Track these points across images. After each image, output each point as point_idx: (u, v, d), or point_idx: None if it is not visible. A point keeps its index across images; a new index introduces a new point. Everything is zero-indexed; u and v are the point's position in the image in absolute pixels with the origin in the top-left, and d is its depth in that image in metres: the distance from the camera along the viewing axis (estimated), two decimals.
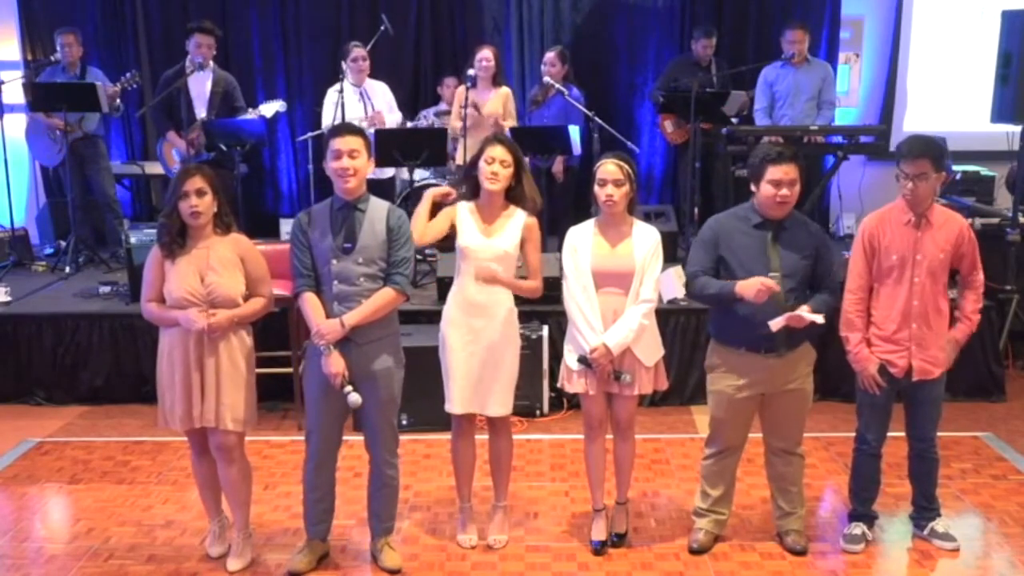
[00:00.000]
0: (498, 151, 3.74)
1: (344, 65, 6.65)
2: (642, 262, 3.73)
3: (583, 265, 3.76)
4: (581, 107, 6.51)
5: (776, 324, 3.60)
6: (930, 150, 3.62)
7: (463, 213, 3.83)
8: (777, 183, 3.63)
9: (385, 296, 3.60)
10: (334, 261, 3.58)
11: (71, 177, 6.89)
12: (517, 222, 3.82)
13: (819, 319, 3.60)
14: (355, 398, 3.55)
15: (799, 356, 3.77)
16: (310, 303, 3.62)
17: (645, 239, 3.77)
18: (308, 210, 3.72)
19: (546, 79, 6.72)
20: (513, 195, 3.82)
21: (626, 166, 3.72)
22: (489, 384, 3.84)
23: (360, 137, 3.59)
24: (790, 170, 3.62)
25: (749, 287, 3.60)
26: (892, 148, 7.01)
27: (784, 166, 3.62)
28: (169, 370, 3.67)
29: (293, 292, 3.70)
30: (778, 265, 3.68)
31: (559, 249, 6.14)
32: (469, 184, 3.87)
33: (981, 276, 3.85)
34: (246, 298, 3.70)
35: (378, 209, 3.65)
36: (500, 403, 3.88)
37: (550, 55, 6.79)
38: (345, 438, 3.86)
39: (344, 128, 3.63)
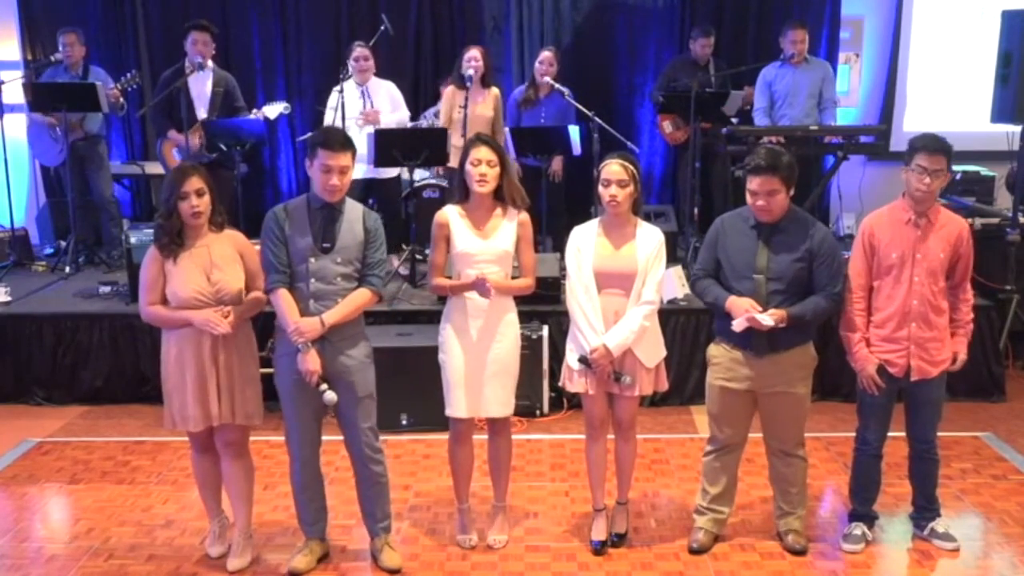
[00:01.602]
0: (483, 152, 3.72)
1: (349, 65, 6.65)
2: (645, 263, 3.72)
3: (586, 266, 3.76)
4: (583, 108, 6.50)
5: (738, 325, 3.65)
6: (945, 147, 3.66)
7: (455, 219, 3.81)
8: (754, 193, 3.66)
9: (363, 296, 3.63)
10: (312, 259, 3.59)
11: (71, 177, 6.89)
12: (511, 220, 3.82)
13: (769, 321, 3.61)
14: (331, 396, 3.56)
15: (789, 359, 3.76)
16: (285, 300, 3.60)
17: (649, 241, 3.76)
18: (284, 205, 3.70)
19: (545, 79, 6.71)
20: (500, 194, 3.80)
21: (630, 167, 3.71)
22: (492, 385, 3.84)
23: (350, 151, 3.58)
24: (766, 182, 3.62)
25: (738, 307, 3.66)
26: (892, 148, 7.09)
27: (759, 178, 3.63)
28: (178, 371, 3.66)
29: (266, 288, 3.66)
30: (764, 267, 3.69)
31: (555, 248, 6.21)
32: (461, 188, 3.86)
33: (970, 287, 3.84)
34: (245, 293, 3.72)
35: (355, 210, 3.67)
36: (502, 404, 3.88)
37: (548, 54, 6.77)
38: (342, 435, 3.86)
39: (336, 142, 3.55)
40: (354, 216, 3.65)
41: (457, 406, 3.86)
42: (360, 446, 3.76)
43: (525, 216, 3.85)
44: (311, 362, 3.55)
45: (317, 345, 3.57)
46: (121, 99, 6.82)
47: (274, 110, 6.66)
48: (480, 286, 3.69)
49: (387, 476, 3.87)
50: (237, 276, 3.68)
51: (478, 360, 3.82)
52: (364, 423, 3.73)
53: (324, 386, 3.56)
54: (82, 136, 6.94)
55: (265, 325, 4.65)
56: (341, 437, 3.84)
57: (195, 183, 3.58)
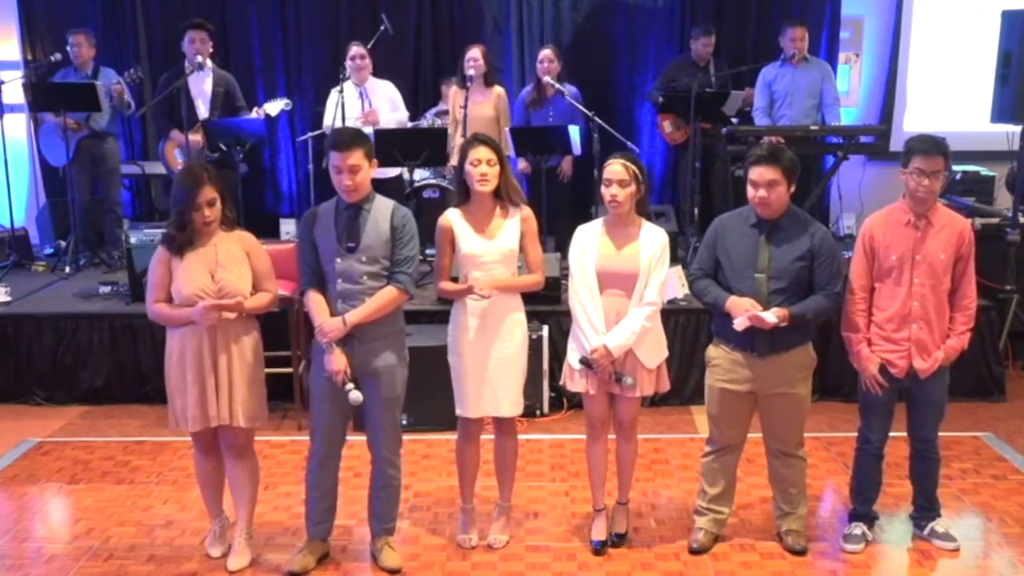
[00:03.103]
0: (482, 152, 3.71)
1: (347, 65, 6.66)
2: (647, 264, 3.72)
3: (588, 265, 3.75)
4: (582, 108, 6.50)
5: (740, 324, 3.64)
6: (942, 147, 3.65)
7: (458, 222, 3.80)
8: (754, 184, 3.66)
9: (388, 295, 3.61)
10: (338, 260, 3.59)
11: (76, 176, 6.90)
12: (514, 217, 3.81)
13: (772, 319, 3.60)
14: (356, 396, 3.56)
15: (790, 360, 3.75)
16: (314, 301, 3.64)
17: (652, 241, 3.75)
18: (314, 209, 3.73)
19: (546, 79, 6.71)
20: (499, 192, 3.79)
21: (632, 167, 3.70)
22: (501, 385, 3.83)
23: (361, 149, 3.55)
24: (766, 172, 3.63)
25: (738, 307, 3.66)
26: (892, 148, 7.09)
27: (760, 168, 3.64)
28: (180, 371, 3.66)
29: (298, 290, 3.70)
30: (765, 266, 3.69)
31: (557, 248, 6.21)
32: (460, 189, 3.86)
33: (973, 292, 3.79)
34: (252, 294, 3.71)
35: (383, 208, 3.65)
36: (512, 403, 3.88)
37: (547, 52, 6.77)
38: (346, 438, 3.86)
39: (344, 142, 3.55)
40: (381, 214, 3.63)
41: (468, 406, 3.86)
42: (380, 447, 3.76)
43: (528, 211, 3.84)
44: (335, 362, 3.56)
45: (346, 345, 3.58)
46: (126, 96, 6.83)
47: (275, 107, 6.67)
48: (470, 292, 3.70)
49: (400, 481, 3.87)
50: (242, 277, 3.67)
51: (488, 360, 3.81)
52: (387, 426, 3.73)
53: (350, 385, 3.56)
54: (88, 133, 6.94)
55: (266, 328, 4.65)
56: (366, 433, 3.83)
57: (208, 193, 3.56)
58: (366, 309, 3.58)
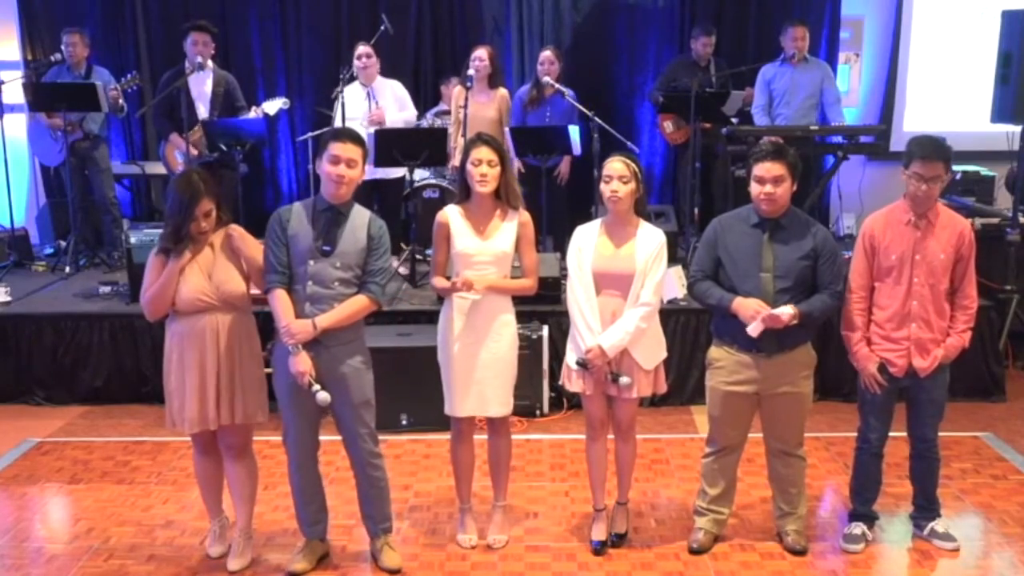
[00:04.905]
0: (484, 152, 3.71)
1: (353, 65, 6.66)
2: (643, 265, 3.71)
3: (586, 266, 3.75)
4: (583, 108, 6.50)
5: (755, 330, 3.63)
6: (944, 152, 3.63)
7: (455, 219, 3.80)
8: (760, 180, 3.66)
9: (359, 303, 3.60)
10: (311, 262, 3.57)
11: (71, 177, 6.90)
12: (511, 220, 3.81)
13: (789, 311, 3.59)
14: (324, 396, 3.53)
15: (793, 359, 3.76)
16: (280, 300, 3.58)
17: (649, 242, 3.75)
18: (289, 206, 3.69)
19: (545, 79, 6.70)
20: (500, 193, 3.79)
21: (632, 164, 3.71)
22: (490, 385, 3.83)
23: (360, 147, 3.58)
24: (773, 167, 3.63)
25: (746, 308, 3.65)
26: (892, 148, 7.10)
27: (766, 163, 3.64)
28: (179, 373, 3.65)
29: (264, 288, 3.64)
30: (771, 265, 3.69)
31: (556, 249, 6.21)
32: (462, 188, 3.85)
33: (974, 292, 3.79)
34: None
35: (360, 216, 3.65)
36: (501, 403, 3.88)
37: (548, 53, 6.76)
38: (341, 438, 3.86)
39: (346, 135, 3.60)
40: (359, 222, 3.62)
41: (456, 406, 3.86)
42: (359, 451, 3.75)
43: (526, 216, 3.84)
44: (301, 363, 3.53)
45: (311, 349, 3.55)
46: (121, 100, 6.83)
47: (273, 106, 6.66)
48: (457, 289, 3.72)
49: (386, 479, 3.86)
50: (240, 276, 3.68)
51: (476, 360, 3.81)
52: (361, 429, 3.72)
53: (316, 387, 3.53)
54: (81, 136, 6.94)
55: (265, 328, 4.65)
56: (341, 437, 3.84)
57: (205, 205, 3.55)
58: (337, 315, 3.55)
